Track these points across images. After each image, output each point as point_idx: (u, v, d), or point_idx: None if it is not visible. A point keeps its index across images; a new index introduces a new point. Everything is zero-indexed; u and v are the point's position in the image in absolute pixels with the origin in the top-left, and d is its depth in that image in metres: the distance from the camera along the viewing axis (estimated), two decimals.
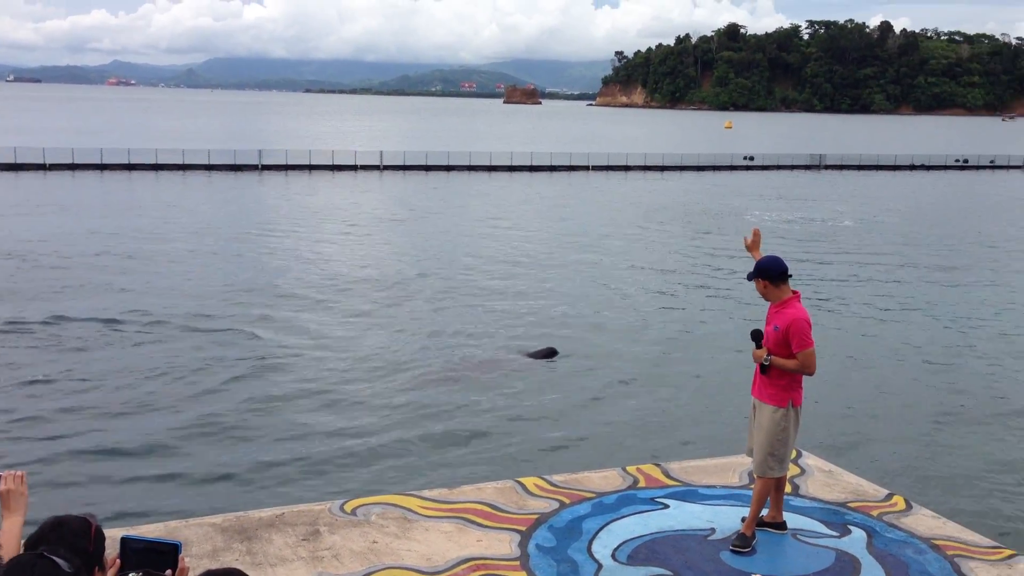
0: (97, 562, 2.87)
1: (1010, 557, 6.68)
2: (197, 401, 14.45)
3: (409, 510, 7.14)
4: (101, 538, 2.94)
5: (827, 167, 75.34)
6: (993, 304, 23.40)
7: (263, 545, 6.49)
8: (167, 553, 2.91)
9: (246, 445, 12.66)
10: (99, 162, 55.55)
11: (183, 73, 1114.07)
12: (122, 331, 18.52)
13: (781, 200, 49.29)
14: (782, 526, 6.94)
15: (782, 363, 6.56)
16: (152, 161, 56.68)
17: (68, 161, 54.94)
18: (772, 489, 6.84)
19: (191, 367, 16.21)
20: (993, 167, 79.72)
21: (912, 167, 77.79)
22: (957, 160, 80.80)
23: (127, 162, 56.16)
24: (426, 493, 7.62)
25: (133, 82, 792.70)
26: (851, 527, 7.07)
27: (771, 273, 6.67)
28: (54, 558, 2.44)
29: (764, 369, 6.62)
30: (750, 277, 6.78)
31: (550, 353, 16.97)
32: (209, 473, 11.72)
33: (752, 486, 7.00)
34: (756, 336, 6.68)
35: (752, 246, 7.25)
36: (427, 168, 62.62)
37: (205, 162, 57.88)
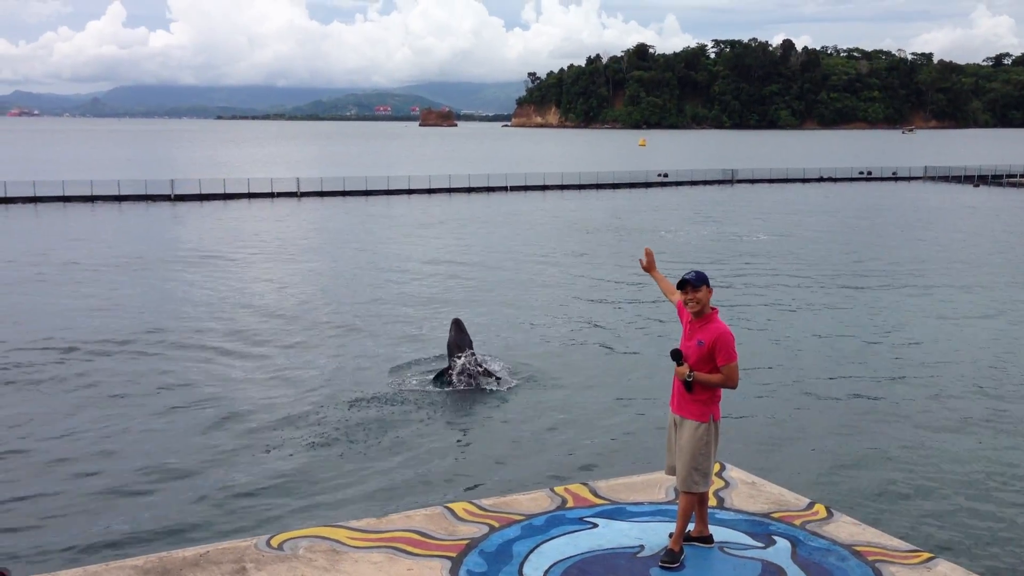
0: None
1: (928, 560, 6.88)
2: (112, 439, 14.03)
3: (337, 542, 7.04)
4: None
5: (739, 181, 77.24)
6: (904, 313, 24.19)
7: None
8: None
9: (165, 482, 12.32)
10: (2, 195, 53.81)
11: (88, 102, 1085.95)
12: (33, 366, 17.90)
13: (696, 215, 50.28)
14: (708, 539, 7.03)
15: (706, 378, 6.64)
16: (59, 193, 55.16)
17: None
18: (697, 504, 6.93)
19: (104, 403, 15.74)
20: (896, 178, 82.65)
21: (820, 179, 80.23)
22: (861, 172, 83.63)
23: (33, 195, 54.53)
24: (354, 523, 7.53)
25: (36, 112, 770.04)
26: (775, 537, 7.20)
27: (710, 284, 6.78)
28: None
29: (688, 386, 6.70)
30: (696, 284, 6.65)
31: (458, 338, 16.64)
32: (127, 513, 11.36)
33: (678, 501, 7.08)
34: (676, 355, 6.75)
35: (649, 267, 7.34)
36: (345, 193, 62.23)
37: (115, 193, 56.55)
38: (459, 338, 16.78)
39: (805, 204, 58.01)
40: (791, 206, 56.60)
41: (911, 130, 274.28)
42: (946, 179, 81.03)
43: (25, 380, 17.27)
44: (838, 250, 36.38)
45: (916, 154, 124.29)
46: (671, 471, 7.02)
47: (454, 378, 16.46)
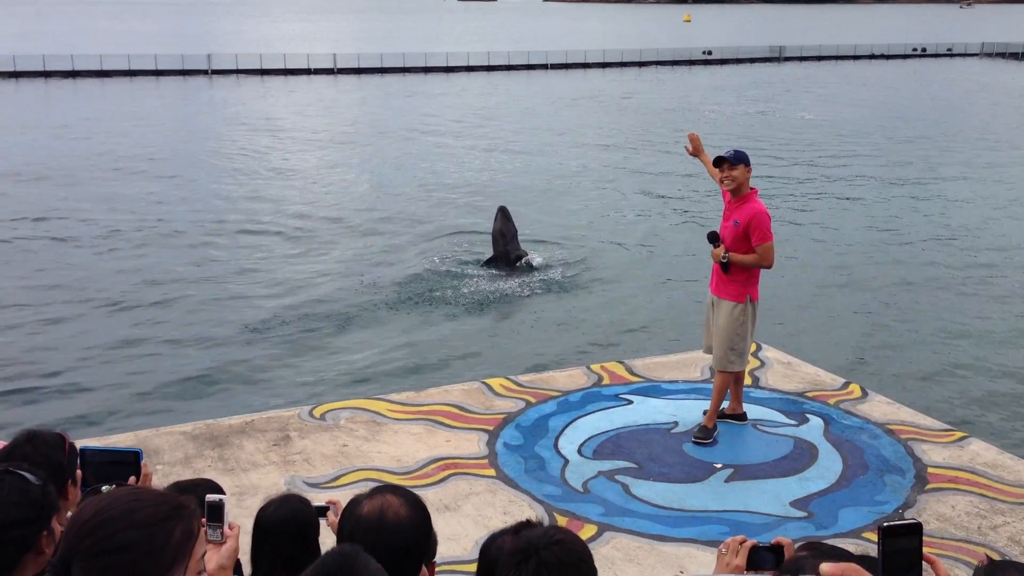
0: (70, 476, 2.86)
1: (961, 439, 6.93)
2: (160, 314, 14.35)
3: (377, 413, 7.23)
4: (74, 453, 2.93)
5: (787, 59, 74.92)
6: (948, 196, 23.71)
7: (234, 451, 6.56)
8: (129, 463, 2.89)
9: (208, 356, 12.64)
10: (41, 69, 53.80)
11: None
12: (75, 243, 18.24)
13: (740, 94, 49.08)
14: (742, 417, 7.12)
15: (740, 259, 6.61)
16: (97, 67, 55.00)
17: (10, 69, 53.17)
18: (731, 382, 7.00)
19: (152, 279, 16.05)
20: (951, 55, 79.72)
21: (871, 56, 77.61)
22: (915, 49, 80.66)
23: (71, 69, 54.44)
24: (394, 396, 7.71)
25: None
26: (809, 415, 7.28)
27: (749, 163, 6.66)
28: (21, 472, 2.43)
29: (724, 267, 6.69)
30: (733, 161, 6.57)
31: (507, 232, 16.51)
32: (173, 385, 11.70)
33: (713, 380, 7.15)
34: (712, 237, 6.73)
35: (696, 151, 7.19)
36: (382, 71, 61.37)
37: (152, 67, 56.27)
38: (505, 226, 16.71)
39: (855, 83, 56.30)
40: (840, 85, 54.98)
41: (969, 4, 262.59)
42: (1003, 56, 77.98)
43: (71, 254, 17.62)
44: (886, 130, 35.47)
45: (974, 30, 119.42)
46: (709, 350, 7.07)
47: (498, 264, 16.49)
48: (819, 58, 75.83)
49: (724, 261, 6.63)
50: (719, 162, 6.65)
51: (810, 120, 38.57)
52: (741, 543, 2.38)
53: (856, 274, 16.68)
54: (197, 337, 13.31)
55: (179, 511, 1.83)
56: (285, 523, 3.13)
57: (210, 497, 2.50)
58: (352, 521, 2.51)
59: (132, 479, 2.85)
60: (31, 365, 12.26)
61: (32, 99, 44.65)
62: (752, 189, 6.70)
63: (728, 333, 6.74)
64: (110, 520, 1.75)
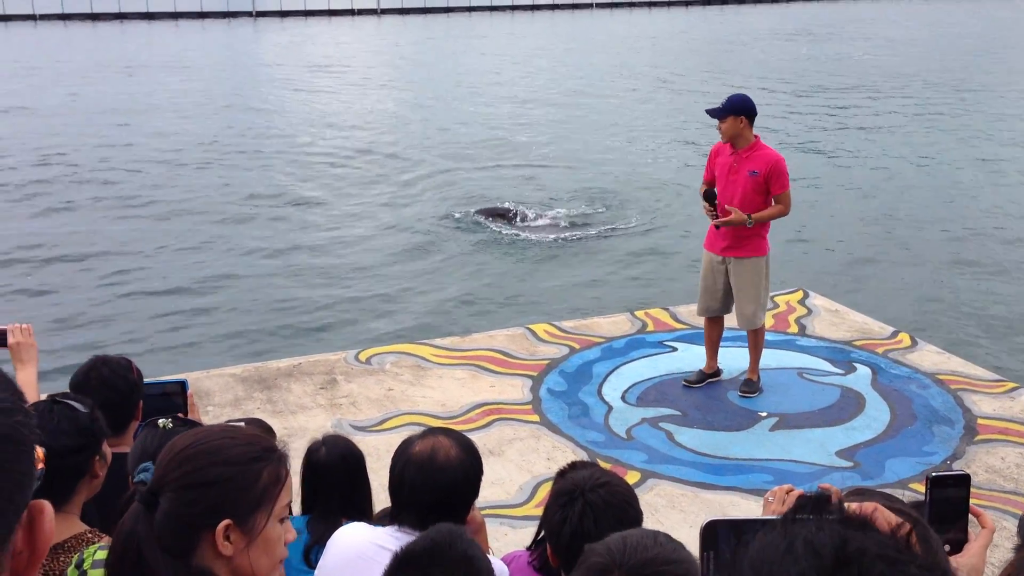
0: (142, 396, 3.02)
1: (1012, 390, 6.82)
2: (208, 259, 14.50)
3: (422, 358, 7.28)
4: (140, 374, 3.08)
5: None
6: (1001, 141, 23.07)
7: (283, 394, 6.66)
8: (176, 392, 3.00)
9: (256, 300, 12.76)
10: (89, 12, 54.10)
11: None
12: (118, 185, 18.46)
13: (788, 34, 47.96)
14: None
15: (764, 215, 6.33)
16: (144, 10, 55.19)
17: (58, 11, 53.54)
18: (764, 334, 6.85)
19: (193, 218, 16.21)
20: None
21: None
22: None
23: (118, 11, 54.68)
24: (438, 341, 7.76)
25: None
26: (856, 364, 7.20)
27: (752, 112, 6.32)
28: (68, 402, 2.53)
29: (718, 228, 6.42)
30: (722, 114, 6.26)
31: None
32: (220, 329, 11.83)
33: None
34: (709, 196, 6.37)
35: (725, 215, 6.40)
36: (426, 11, 60.85)
37: (198, 9, 56.32)
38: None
39: (907, 19, 54.72)
40: (892, 22, 53.46)
41: None
42: None
43: (120, 195, 17.85)
44: (939, 71, 34.46)
45: None
46: (705, 312, 6.82)
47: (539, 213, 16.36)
48: None
49: (750, 224, 6.25)
50: (711, 114, 6.38)
51: (861, 59, 37.61)
52: (788, 492, 2.36)
53: (907, 221, 16.33)
54: (245, 281, 13.44)
55: (270, 454, 1.80)
56: (343, 460, 3.22)
57: None
58: (403, 460, 2.56)
59: (181, 414, 2.95)
60: (81, 308, 12.48)
61: (82, 40, 44.97)
62: (756, 136, 6.40)
63: (758, 290, 6.51)
64: (203, 453, 1.75)
